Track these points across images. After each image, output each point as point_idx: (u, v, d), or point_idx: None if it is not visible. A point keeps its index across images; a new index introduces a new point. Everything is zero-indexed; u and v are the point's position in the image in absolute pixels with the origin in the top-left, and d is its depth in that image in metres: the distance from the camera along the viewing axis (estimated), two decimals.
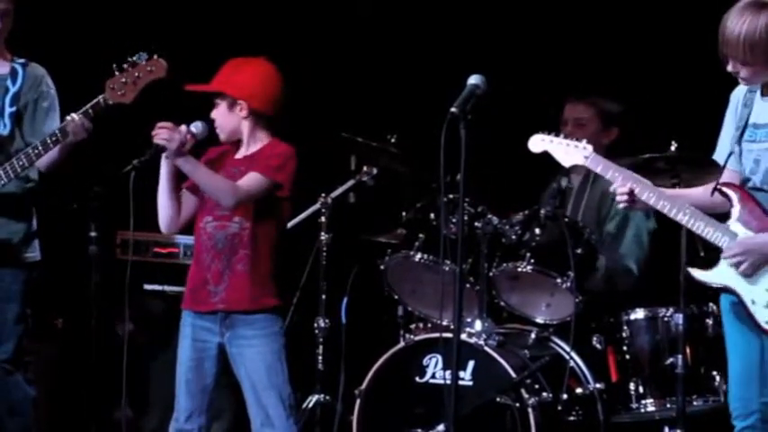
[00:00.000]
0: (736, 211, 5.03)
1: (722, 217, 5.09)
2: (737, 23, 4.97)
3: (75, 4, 7.84)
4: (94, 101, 5.84)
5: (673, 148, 6.12)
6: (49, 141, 5.93)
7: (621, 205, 5.23)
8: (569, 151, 5.33)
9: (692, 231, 5.39)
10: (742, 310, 5.01)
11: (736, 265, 4.95)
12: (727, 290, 5.06)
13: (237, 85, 5.51)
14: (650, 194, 5.10)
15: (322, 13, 8.00)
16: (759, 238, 4.96)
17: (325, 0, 8.01)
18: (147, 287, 6.90)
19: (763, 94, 5.08)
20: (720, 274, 5.05)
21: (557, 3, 7.65)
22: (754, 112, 5.08)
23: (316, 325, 6.48)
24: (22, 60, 6.30)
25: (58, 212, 6.66)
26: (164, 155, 5.40)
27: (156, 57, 5.80)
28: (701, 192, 5.20)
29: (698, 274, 5.12)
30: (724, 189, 5.05)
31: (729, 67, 4.97)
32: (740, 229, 4.99)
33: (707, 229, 5.05)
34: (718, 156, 5.17)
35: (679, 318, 6.06)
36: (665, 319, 6.25)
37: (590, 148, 5.25)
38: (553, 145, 5.35)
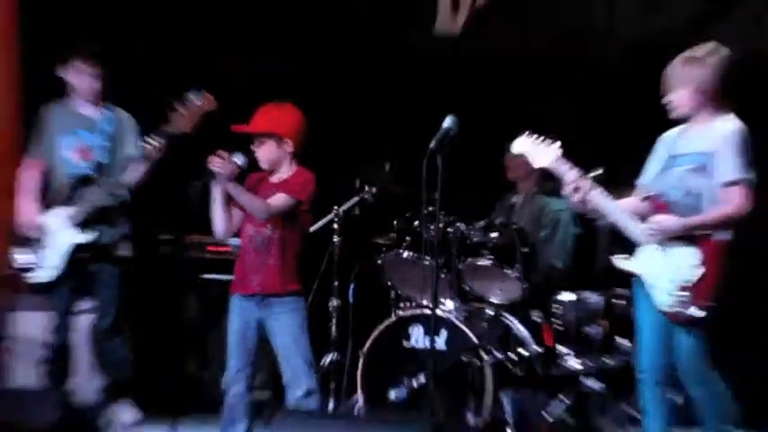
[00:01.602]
0: (654, 215, 5.11)
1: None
2: (675, 65, 5.10)
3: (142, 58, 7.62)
4: (163, 129, 5.91)
5: (600, 171, 5.80)
6: (133, 164, 6.06)
7: (573, 198, 5.19)
8: (541, 150, 5.29)
9: (610, 234, 5.65)
10: (648, 294, 5.11)
11: (650, 236, 5.03)
12: (638, 276, 5.14)
13: (286, 127, 5.51)
14: (595, 193, 5.13)
15: (339, 59, 7.75)
16: (665, 222, 4.98)
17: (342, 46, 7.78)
18: (206, 276, 6.92)
19: (685, 131, 5.14)
20: (635, 264, 5.13)
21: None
22: (678, 146, 5.13)
23: (330, 304, 6.44)
24: (110, 107, 6.39)
25: (144, 220, 6.58)
26: (215, 181, 5.41)
27: (205, 93, 5.82)
28: (631, 201, 5.24)
29: (620, 263, 5.20)
30: (651, 198, 5.13)
31: (665, 99, 5.08)
32: (660, 219, 5.04)
33: (632, 225, 5.12)
34: (643, 179, 5.23)
35: (597, 299, 6.20)
36: (587, 300, 6.29)
37: (557, 150, 5.25)
38: (531, 145, 5.34)
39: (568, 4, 7.43)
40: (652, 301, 5.11)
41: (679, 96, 5.07)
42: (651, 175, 5.20)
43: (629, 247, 5.37)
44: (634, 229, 5.13)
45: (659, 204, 5.10)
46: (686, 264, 5.00)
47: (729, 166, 4.98)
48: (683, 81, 5.08)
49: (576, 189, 5.16)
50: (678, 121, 5.17)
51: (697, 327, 4.99)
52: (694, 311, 4.96)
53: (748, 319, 6.06)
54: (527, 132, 5.38)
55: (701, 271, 4.96)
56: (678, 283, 5.00)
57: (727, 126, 5.05)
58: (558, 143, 5.27)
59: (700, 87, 5.04)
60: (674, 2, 7.14)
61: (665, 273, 5.05)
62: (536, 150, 5.31)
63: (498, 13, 7.54)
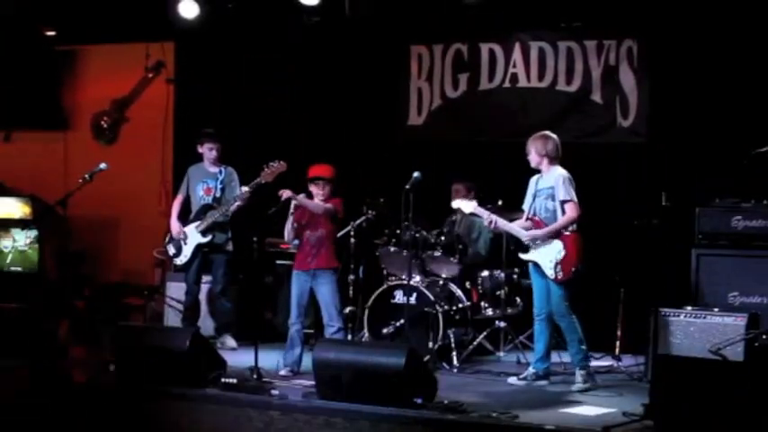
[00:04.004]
0: (533, 229, 5.36)
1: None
2: (530, 141, 5.38)
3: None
4: (255, 181, 5.94)
5: (500, 203, 6.01)
6: (234, 200, 6.27)
7: (486, 224, 5.43)
8: (468, 204, 5.51)
9: (510, 237, 5.84)
10: (539, 270, 5.33)
11: (530, 240, 5.27)
12: (533, 262, 5.36)
13: (334, 176, 5.55)
14: (496, 220, 5.40)
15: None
16: (534, 231, 5.30)
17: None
18: (278, 262, 6.83)
19: (540, 176, 5.39)
20: (529, 255, 5.36)
21: None
22: (538, 185, 5.38)
23: (349, 278, 6.37)
24: (223, 166, 6.53)
25: (244, 229, 6.44)
26: (293, 202, 5.42)
27: (280, 161, 5.84)
28: (521, 221, 5.42)
29: (522, 255, 5.44)
30: (529, 217, 5.40)
31: (528, 158, 5.38)
32: (534, 230, 5.29)
33: (521, 235, 5.37)
34: (524, 205, 5.46)
35: (502, 275, 6.28)
36: (497, 274, 6.34)
37: (475, 203, 5.52)
38: (462, 202, 5.57)
39: (484, 111, 7.17)
40: (539, 274, 5.32)
41: (532, 157, 5.38)
42: (528, 202, 5.45)
43: (521, 245, 5.50)
44: (523, 237, 5.39)
45: (536, 221, 5.39)
46: (555, 250, 5.26)
47: (562, 192, 5.25)
48: (534, 149, 5.37)
49: (489, 221, 5.41)
50: (535, 171, 5.41)
51: (563, 284, 5.25)
52: (562, 276, 5.23)
53: (590, 278, 5.64)
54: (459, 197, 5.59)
55: (563, 253, 5.24)
56: (553, 261, 5.24)
57: (559, 171, 5.32)
58: (475, 200, 5.53)
59: (541, 152, 5.32)
60: (543, 105, 7.05)
61: (546, 257, 5.28)
62: (464, 204, 5.55)
63: (443, 115, 7.31)
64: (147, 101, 8.22)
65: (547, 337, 5.36)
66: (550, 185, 5.34)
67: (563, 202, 5.27)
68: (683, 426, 3.97)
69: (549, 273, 5.24)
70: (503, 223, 5.39)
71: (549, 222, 5.33)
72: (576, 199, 5.27)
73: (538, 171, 5.44)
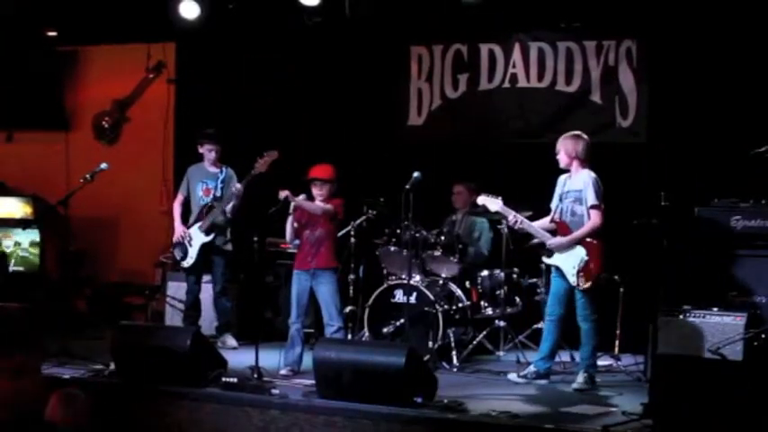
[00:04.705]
0: (559, 232, 5.35)
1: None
2: (559, 140, 5.33)
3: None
4: (250, 175, 5.98)
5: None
6: (230, 197, 6.28)
7: (511, 224, 5.38)
8: (493, 202, 5.45)
9: (510, 236, 5.98)
10: (561, 275, 5.29)
11: (554, 247, 5.25)
12: (556, 266, 5.33)
13: (334, 177, 5.55)
14: (522, 220, 5.38)
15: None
16: (558, 239, 5.29)
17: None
18: (278, 261, 6.84)
19: (569, 177, 5.35)
20: (553, 260, 5.34)
21: None
22: (565, 186, 5.35)
23: (349, 277, 6.38)
24: (224, 166, 6.53)
25: (245, 230, 6.45)
26: (292, 203, 5.42)
27: (272, 151, 5.90)
28: (544, 221, 5.42)
29: (546, 260, 5.42)
30: (555, 219, 5.38)
31: (557, 158, 5.33)
32: (558, 238, 5.30)
33: (546, 238, 5.34)
34: (552, 205, 5.42)
35: (501, 274, 6.27)
36: (497, 274, 6.33)
37: (500, 201, 5.42)
38: (488, 200, 5.50)
39: (484, 112, 7.19)
40: (561, 278, 5.29)
41: (561, 157, 5.32)
42: (555, 202, 5.40)
43: (523, 242, 5.57)
44: (546, 241, 5.36)
45: (561, 224, 5.33)
46: (578, 257, 5.22)
47: (591, 197, 5.22)
48: (564, 149, 5.37)
49: (514, 222, 5.38)
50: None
51: (587, 291, 5.23)
52: (585, 284, 5.21)
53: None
54: (485, 193, 5.51)
55: (586, 260, 5.21)
56: (576, 268, 5.21)
57: (588, 173, 5.30)
58: (500, 197, 5.41)
59: (571, 153, 5.33)
60: (543, 105, 7.02)
61: (569, 263, 5.26)
62: (490, 201, 5.49)
63: (443, 115, 7.32)
64: (148, 101, 8.26)
65: (554, 339, 5.35)
66: (579, 188, 5.29)
67: (591, 207, 5.23)
68: (683, 425, 3.96)
69: (572, 280, 5.19)
70: (528, 224, 5.35)
71: (573, 227, 5.29)
72: (602, 204, 5.25)
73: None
